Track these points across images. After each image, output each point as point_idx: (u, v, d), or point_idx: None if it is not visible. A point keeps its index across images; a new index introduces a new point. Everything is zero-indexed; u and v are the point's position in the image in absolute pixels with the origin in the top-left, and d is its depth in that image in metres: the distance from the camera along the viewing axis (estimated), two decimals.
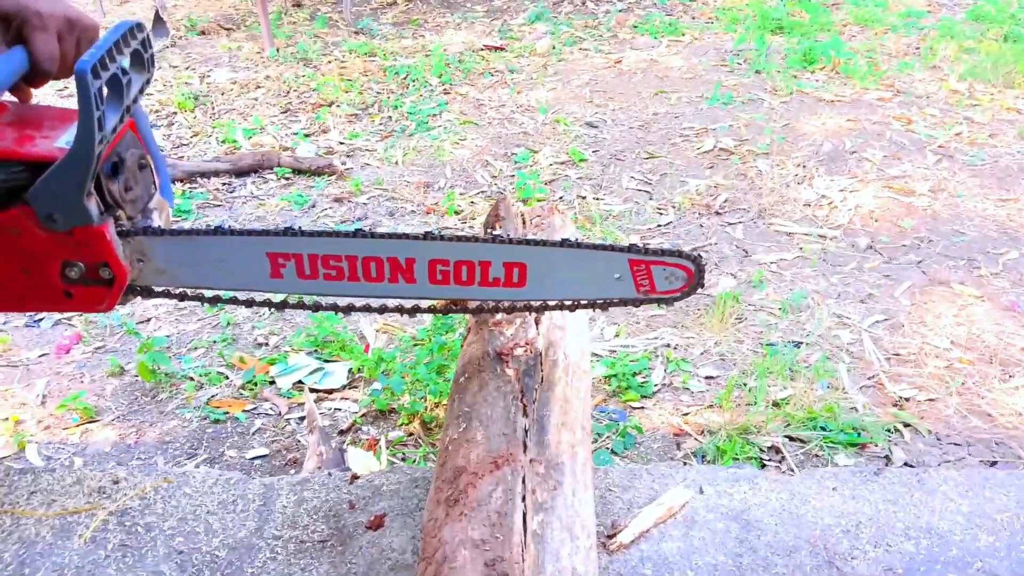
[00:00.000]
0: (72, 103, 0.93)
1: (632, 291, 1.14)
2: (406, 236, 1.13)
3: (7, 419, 2.15)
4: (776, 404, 2.11)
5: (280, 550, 1.22)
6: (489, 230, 1.53)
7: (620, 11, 5.79)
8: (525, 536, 0.93)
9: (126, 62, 1.03)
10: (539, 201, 3.24)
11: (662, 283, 1.14)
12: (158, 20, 5.19)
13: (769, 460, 1.96)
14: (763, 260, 2.82)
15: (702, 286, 1.15)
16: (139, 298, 1.18)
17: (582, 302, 1.18)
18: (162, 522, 1.26)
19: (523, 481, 1.00)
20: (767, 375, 2.19)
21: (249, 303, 1.25)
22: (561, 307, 1.19)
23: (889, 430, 2.02)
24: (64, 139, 0.99)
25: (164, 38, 5.21)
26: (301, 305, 1.21)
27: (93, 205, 1.00)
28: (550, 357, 1.22)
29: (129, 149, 1.08)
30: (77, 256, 1.03)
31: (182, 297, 1.17)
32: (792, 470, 1.91)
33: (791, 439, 2.01)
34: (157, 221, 1.13)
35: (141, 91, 1.09)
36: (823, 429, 2.02)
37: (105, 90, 0.96)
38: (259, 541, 1.23)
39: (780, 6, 5.56)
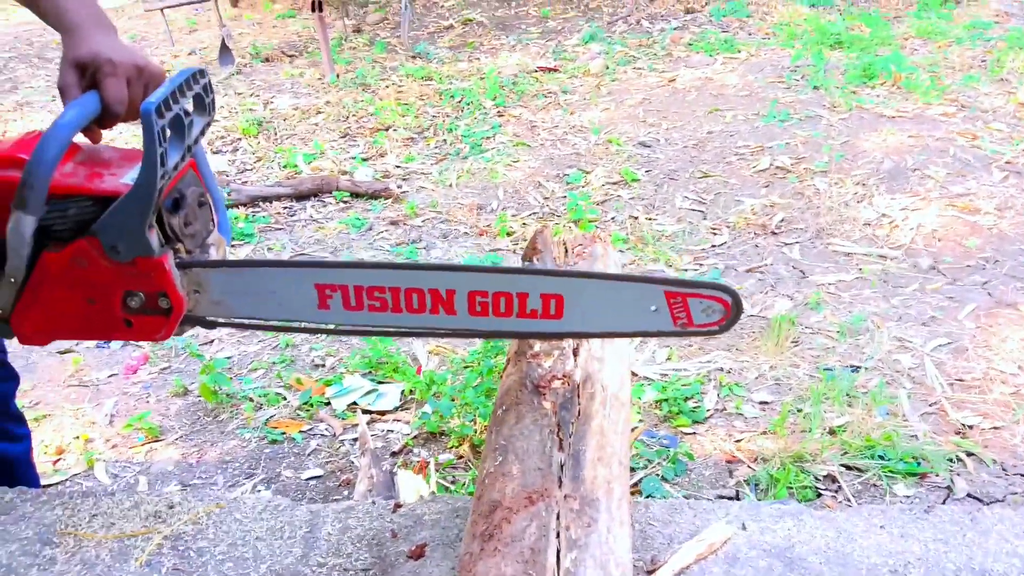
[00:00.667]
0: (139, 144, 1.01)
1: (669, 324, 1.14)
2: (447, 267, 1.16)
3: (78, 437, 2.26)
4: (832, 431, 2.06)
5: None
6: (527, 263, 1.54)
7: (675, 29, 5.77)
8: (558, 573, 0.93)
9: (189, 104, 1.10)
10: (591, 222, 3.24)
11: (699, 316, 1.13)
12: (224, 49, 5.38)
13: (825, 490, 1.91)
14: (820, 281, 2.76)
15: (739, 319, 1.14)
16: (194, 328, 1.23)
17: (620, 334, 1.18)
18: (213, 547, 1.30)
19: (557, 517, 1.00)
20: (823, 401, 2.15)
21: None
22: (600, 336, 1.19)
23: (951, 459, 1.96)
24: (129, 176, 1.06)
25: (230, 66, 5.41)
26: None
27: (154, 237, 1.07)
28: (587, 389, 1.22)
29: (190, 187, 1.16)
30: (138, 286, 1.10)
31: (234, 327, 1.22)
32: (848, 501, 1.86)
33: (848, 468, 1.96)
34: (214, 256, 1.19)
35: (202, 132, 1.15)
36: (881, 458, 1.96)
37: (168, 130, 1.03)
38: (304, 568, 1.26)
39: (839, 21, 5.45)
